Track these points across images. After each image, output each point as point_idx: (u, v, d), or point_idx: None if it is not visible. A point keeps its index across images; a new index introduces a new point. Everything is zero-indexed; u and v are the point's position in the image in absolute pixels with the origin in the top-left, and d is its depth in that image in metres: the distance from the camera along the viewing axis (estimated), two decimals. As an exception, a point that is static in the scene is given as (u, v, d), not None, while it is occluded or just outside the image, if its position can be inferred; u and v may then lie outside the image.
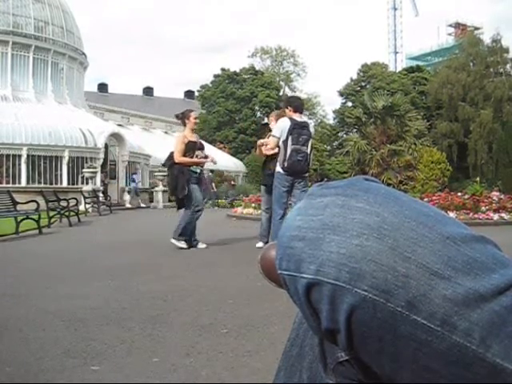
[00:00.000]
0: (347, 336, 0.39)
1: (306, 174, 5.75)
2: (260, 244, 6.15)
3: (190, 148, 6.29)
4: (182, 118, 6.46)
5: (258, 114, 40.27)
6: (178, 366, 2.10)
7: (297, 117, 5.66)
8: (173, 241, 6.17)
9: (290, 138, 5.46)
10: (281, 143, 5.55)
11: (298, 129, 5.51)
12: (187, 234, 6.22)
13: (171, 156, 6.32)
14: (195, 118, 6.51)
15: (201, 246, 6.26)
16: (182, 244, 6.16)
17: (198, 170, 6.40)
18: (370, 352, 0.39)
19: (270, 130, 6.58)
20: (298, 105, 5.80)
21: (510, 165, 22.74)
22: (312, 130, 5.81)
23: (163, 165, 6.64)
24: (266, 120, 40.97)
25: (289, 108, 5.75)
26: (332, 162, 36.64)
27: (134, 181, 22.48)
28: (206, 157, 6.52)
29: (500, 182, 21.36)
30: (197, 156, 6.33)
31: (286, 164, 5.52)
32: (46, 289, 3.78)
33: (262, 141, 6.29)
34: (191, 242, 6.25)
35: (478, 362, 0.36)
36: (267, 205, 6.42)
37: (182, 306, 3.20)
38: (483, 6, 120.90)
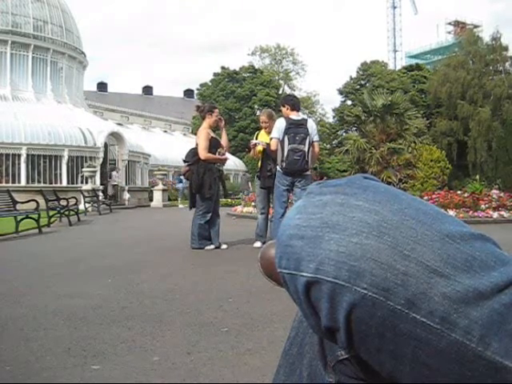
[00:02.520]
0: (347, 334, 0.39)
1: (307, 173, 5.70)
2: (258, 244, 6.12)
3: (214, 145, 6.11)
4: (204, 111, 6.18)
5: (258, 112, 40.22)
6: (179, 365, 2.11)
7: (294, 115, 5.65)
8: (196, 248, 5.99)
9: (286, 138, 5.48)
10: (276, 143, 5.58)
11: (293, 128, 5.52)
12: (205, 235, 6.08)
13: (195, 152, 6.09)
14: (217, 115, 6.21)
15: (208, 247, 6.06)
16: (209, 247, 6.04)
17: (221, 168, 6.32)
18: (369, 350, 0.39)
19: (261, 129, 6.57)
20: (295, 103, 5.79)
21: (510, 163, 22.74)
22: (311, 125, 5.69)
23: (185, 161, 6.25)
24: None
25: (286, 106, 5.74)
26: (332, 160, 36.65)
27: (181, 181, 22.52)
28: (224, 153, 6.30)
29: (499, 179, 21.37)
30: (219, 153, 6.16)
31: (284, 164, 5.54)
32: (46, 288, 3.78)
33: (254, 141, 6.23)
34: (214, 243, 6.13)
35: (478, 360, 0.36)
36: (263, 205, 6.39)
37: (182, 304, 3.20)
38: (482, 5, 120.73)
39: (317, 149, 5.80)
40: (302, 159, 5.50)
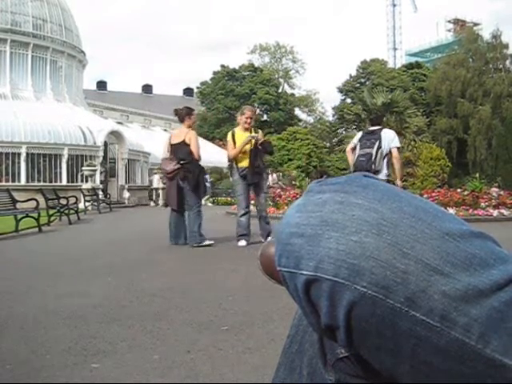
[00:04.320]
0: (346, 332, 0.39)
1: (378, 176, 5.67)
2: (243, 243, 6.07)
3: None
4: (182, 114, 6.34)
5: (258, 111, 40.22)
6: (179, 363, 2.11)
7: (372, 127, 6.26)
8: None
9: (358, 145, 6.03)
10: (349, 149, 6.26)
11: (366, 135, 6.07)
12: (200, 232, 6.21)
13: (188, 152, 6.15)
14: (195, 118, 6.48)
15: (207, 242, 6.13)
16: (207, 242, 6.12)
17: None
18: (369, 348, 0.39)
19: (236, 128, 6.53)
20: (374, 118, 6.64)
21: (510, 161, 22.77)
22: (386, 132, 6.05)
23: (182, 159, 6.23)
24: (265, 117, 40.99)
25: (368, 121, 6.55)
26: (332, 158, 36.64)
27: (206, 181, 22.41)
28: None
29: (499, 178, 21.34)
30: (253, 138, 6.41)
31: (353, 168, 6.03)
32: (46, 287, 3.78)
33: (254, 135, 6.19)
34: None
35: (477, 358, 0.36)
36: (246, 203, 6.31)
37: (181, 302, 3.20)
38: (482, 4, 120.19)
39: (395, 154, 5.99)
40: (368, 160, 5.82)
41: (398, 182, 6.25)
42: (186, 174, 6.17)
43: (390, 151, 5.90)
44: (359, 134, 6.23)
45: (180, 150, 6.23)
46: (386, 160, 5.88)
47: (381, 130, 6.02)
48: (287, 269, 0.42)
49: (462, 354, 0.36)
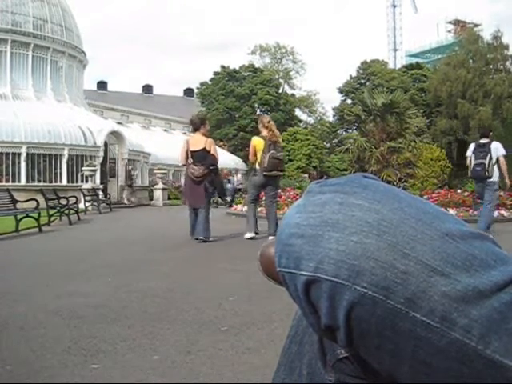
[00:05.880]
0: (346, 333, 0.39)
1: (489, 180, 7.15)
2: (249, 235, 6.69)
3: None
4: (197, 123, 6.82)
5: (258, 111, 40.21)
6: (179, 364, 2.11)
7: (482, 140, 7.37)
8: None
9: (473, 156, 7.26)
10: (468, 160, 7.45)
11: (478, 148, 7.25)
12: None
13: (214, 158, 6.70)
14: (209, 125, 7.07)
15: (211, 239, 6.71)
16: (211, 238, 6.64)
17: None
18: (369, 348, 0.39)
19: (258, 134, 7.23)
20: (483, 132, 7.69)
21: (510, 162, 22.72)
22: (494, 144, 7.17)
23: (212, 164, 6.74)
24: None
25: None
26: (332, 159, 36.66)
27: (229, 182, 22.52)
28: None
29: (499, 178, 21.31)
30: None
31: (470, 174, 7.47)
32: (47, 287, 3.78)
33: None
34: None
35: (478, 359, 0.36)
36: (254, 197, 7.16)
37: (182, 303, 3.20)
38: (482, 5, 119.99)
39: (501, 160, 7.22)
40: (482, 169, 7.11)
41: (507, 181, 7.53)
42: (214, 178, 6.76)
43: (498, 159, 7.18)
44: (472, 147, 7.44)
45: (206, 157, 6.68)
46: (495, 167, 7.13)
47: (490, 143, 7.23)
48: (287, 269, 0.42)
49: (462, 354, 0.36)
